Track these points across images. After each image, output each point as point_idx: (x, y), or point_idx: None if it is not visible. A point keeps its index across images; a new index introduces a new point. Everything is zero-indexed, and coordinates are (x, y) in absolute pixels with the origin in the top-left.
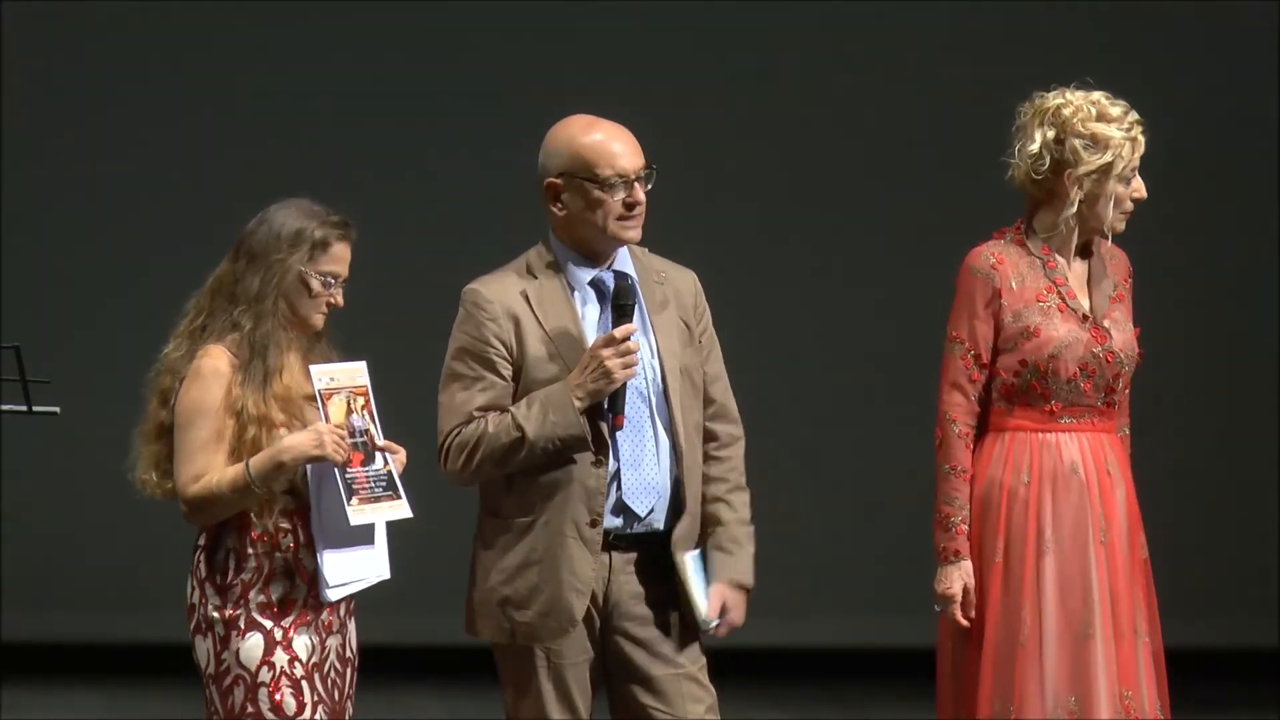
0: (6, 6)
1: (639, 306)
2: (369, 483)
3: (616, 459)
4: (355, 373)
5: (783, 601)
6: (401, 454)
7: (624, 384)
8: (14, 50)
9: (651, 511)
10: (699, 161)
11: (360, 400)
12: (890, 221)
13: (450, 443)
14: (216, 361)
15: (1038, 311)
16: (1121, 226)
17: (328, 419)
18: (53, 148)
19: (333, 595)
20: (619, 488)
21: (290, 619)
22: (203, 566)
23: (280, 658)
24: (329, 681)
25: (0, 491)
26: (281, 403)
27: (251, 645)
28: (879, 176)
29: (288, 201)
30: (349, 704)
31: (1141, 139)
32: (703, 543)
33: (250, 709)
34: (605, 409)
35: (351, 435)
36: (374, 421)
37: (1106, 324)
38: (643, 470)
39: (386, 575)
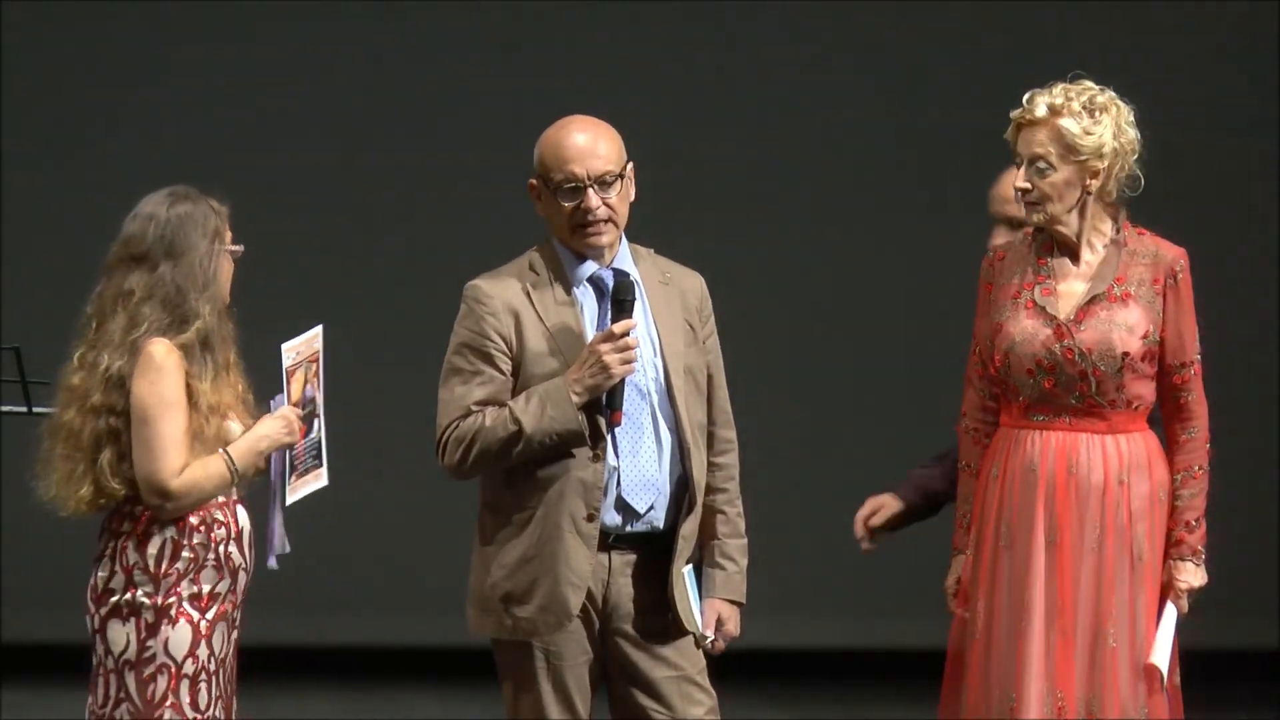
0: (7, 6)
1: (643, 305)
2: (305, 455)
3: (616, 455)
4: (313, 340)
5: (782, 602)
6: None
7: (622, 380)
8: (14, 49)
9: (651, 508)
10: (701, 162)
11: (313, 368)
12: (896, 223)
13: (448, 436)
14: (168, 352)
15: (1008, 307)
16: (1031, 217)
17: (290, 397)
18: (53, 148)
19: (276, 563)
20: (619, 484)
21: (213, 612)
22: (131, 553)
23: (203, 651)
24: (223, 675)
25: (0, 492)
26: (231, 396)
27: (181, 636)
28: (885, 178)
29: (159, 197)
30: (234, 696)
31: (1026, 126)
32: (699, 544)
33: (171, 699)
34: (604, 404)
35: (302, 407)
36: (319, 387)
37: (1084, 323)
38: (641, 466)
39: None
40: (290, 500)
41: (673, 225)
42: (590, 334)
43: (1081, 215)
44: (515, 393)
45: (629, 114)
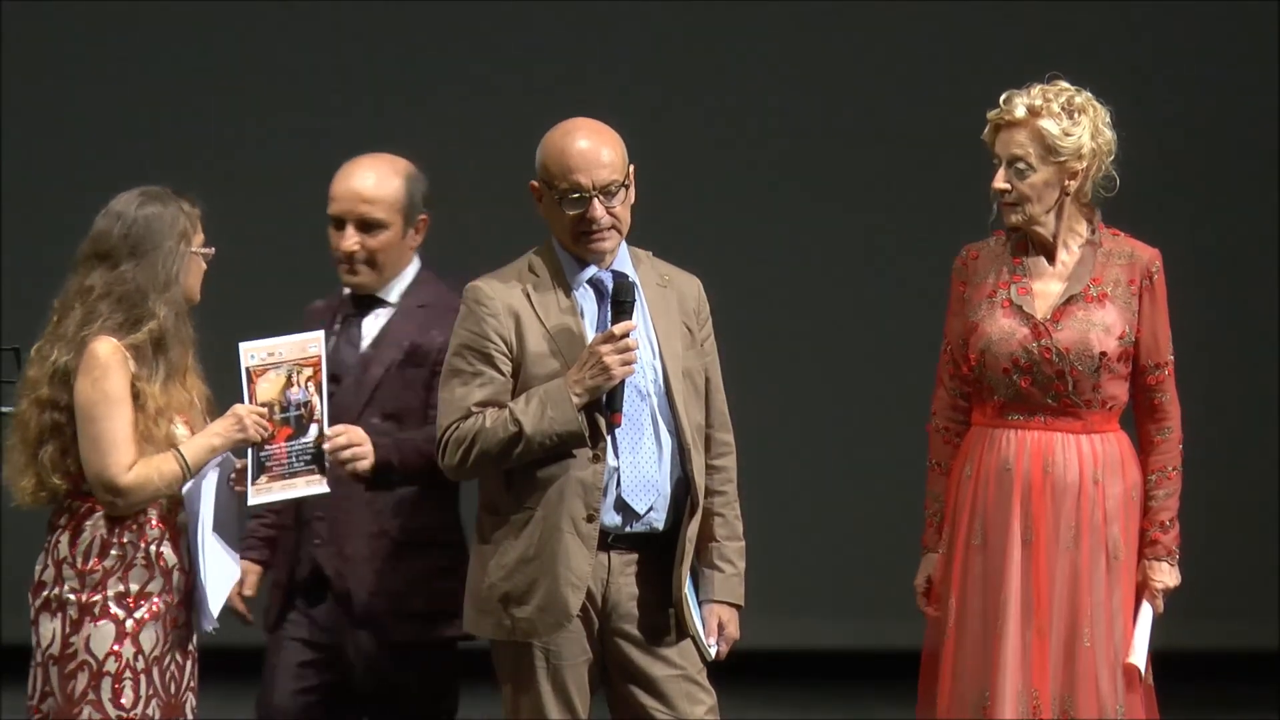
0: (6, 5)
1: (641, 308)
2: (288, 458)
3: (616, 456)
4: (307, 343)
5: (780, 603)
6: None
7: (622, 382)
8: (14, 47)
9: (651, 510)
10: (694, 163)
11: (307, 371)
12: (889, 224)
13: (448, 437)
14: (113, 351)
15: (984, 307)
16: (1009, 218)
17: (253, 397)
18: (53, 147)
19: (210, 628)
20: (618, 485)
21: (142, 611)
22: (63, 547)
23: (127, 649)
24: (167, 675)
25: (0, 493)
26: (180, 401)
27: (103, 634)
28: (877, 178)
29: (130, 196)
30: (191, 695)
31: (1005, 128)
32: (696, 547)
33: (91, 696)
34: (603, 405)
35: (284, 410)
36: (320, 393)
37: (1061, 322)
38: (641, 468)
39: (237, 575)
40: (255, 501)
41: (668, 226)
42: (590, 336)
43: (1059, 216)
44: (515, 394)
45: (626, 114)
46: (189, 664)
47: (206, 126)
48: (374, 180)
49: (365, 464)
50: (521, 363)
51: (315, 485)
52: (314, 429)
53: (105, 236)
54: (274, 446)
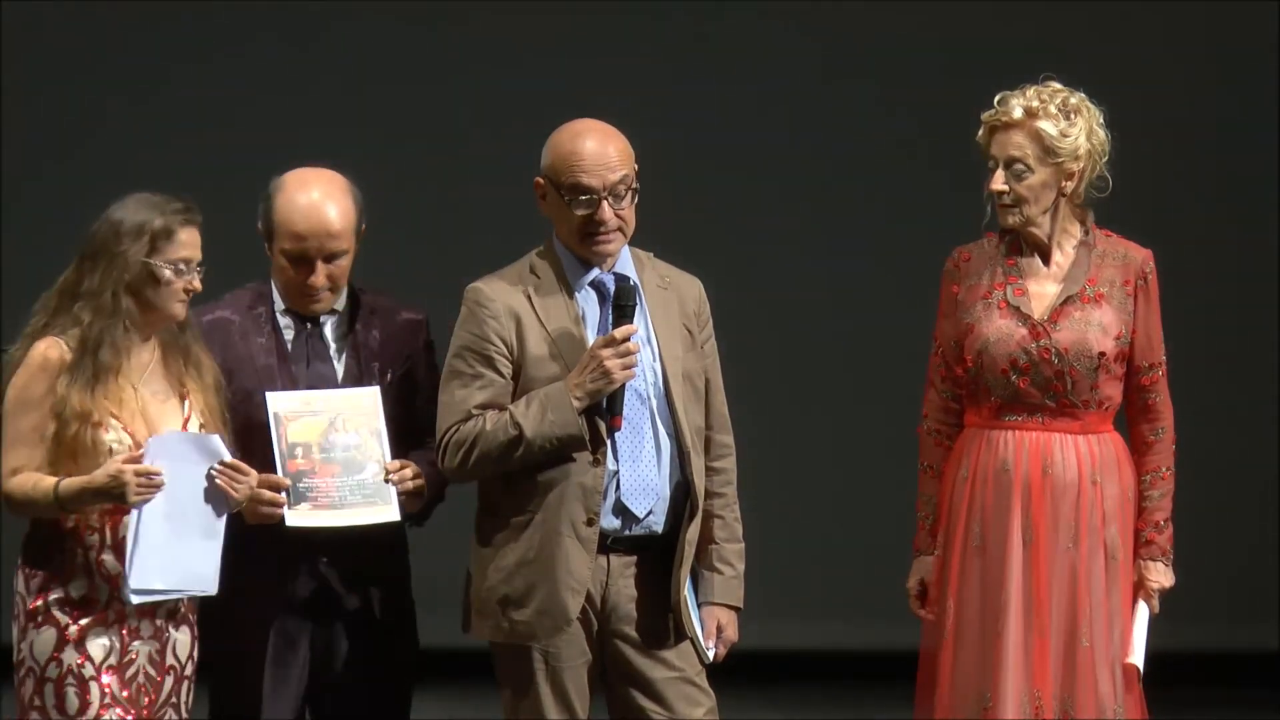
0: (7, 6)
1: (642, 310)
2: (337, 492)
3: (615, 459)
4: (359, 398)
5: (779, 604)
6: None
7: (623, 385)
8: (14, 47)
9: (650, 513)
10: (695, 163)
11: (358, 419)
12: (887, 225)
13: (448, 440)
14: (47, 350)
15: (979, 308)
16: (1006, 220)
17: (283, 439)
18: (54, 148)
19: (134, 599)
20: (618, 488)
21: (88, 618)
22: (19, 553)
23: (69, 655)
24: (134, 686)
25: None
26: (114, 403)
27: (44, 640)
28: (874, 181)
29: (128, 197)
30: (171, 711)
31: (1001, 129)
32: (696, 549)
33: (37, 701)
34: (604, 409)
35: (326, 450)
36: (377, 436)
37: (1059, 323)
38: (641, 471)
39: (211, 591)
40: (299, 523)
41: (668, 227)
42: (591, 338)
43: (1054, 217)
44: (515, 396)
45: (625, 113)
46: (169, 680)
47: (212, 131)
48: (336, 213)
49: (426, 495)
50: (522, 365)
51: (379, 514)
52: (372, 465)
53: (86, 235)
54: (316, 480)
